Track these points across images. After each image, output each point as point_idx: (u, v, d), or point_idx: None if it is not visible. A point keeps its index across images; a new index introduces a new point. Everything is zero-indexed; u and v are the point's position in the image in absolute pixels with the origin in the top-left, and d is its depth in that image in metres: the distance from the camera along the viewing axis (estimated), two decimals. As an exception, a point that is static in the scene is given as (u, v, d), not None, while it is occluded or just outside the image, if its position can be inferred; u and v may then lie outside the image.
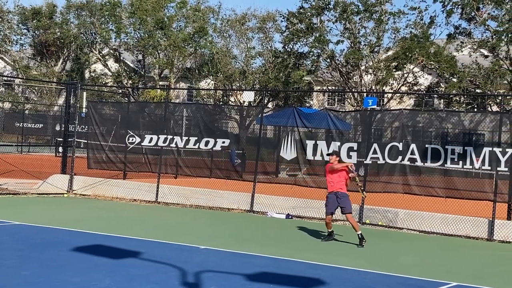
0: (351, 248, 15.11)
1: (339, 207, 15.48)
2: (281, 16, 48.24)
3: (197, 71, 54.17)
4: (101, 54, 58.51)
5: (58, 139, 38.21)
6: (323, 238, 15.75)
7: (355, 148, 19.85)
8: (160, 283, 10.39)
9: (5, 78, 64.56)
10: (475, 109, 42.08)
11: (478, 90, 42.48)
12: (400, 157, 18.96)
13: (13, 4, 70.77)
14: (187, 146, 22.49)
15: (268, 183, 21.69)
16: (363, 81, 44.97)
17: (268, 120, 28.98)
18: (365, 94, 40.36)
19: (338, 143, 19.94)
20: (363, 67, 44.75)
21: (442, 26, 74.41)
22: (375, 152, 19.32)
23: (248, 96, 42.55)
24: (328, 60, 46.02)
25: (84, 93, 36.78)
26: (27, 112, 53.83)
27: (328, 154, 16.38)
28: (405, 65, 43.58)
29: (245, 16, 52.27)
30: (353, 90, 45.33)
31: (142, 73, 57.24)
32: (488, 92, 40.69)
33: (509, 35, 40.35)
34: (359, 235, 15.13)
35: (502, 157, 17.69)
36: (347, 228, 18.37)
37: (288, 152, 21.15)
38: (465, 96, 43.20)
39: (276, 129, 32.42)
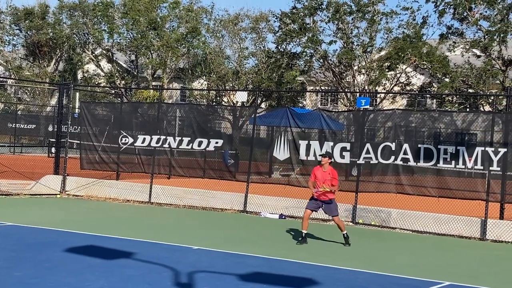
0: (344, 248, 15.13)
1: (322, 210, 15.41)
2: (274, 16, 48.27)
3: (190, 71, 54.11)
4: (93, 54, 58.39)
5: (51, 139, 38.14)
6: (298, 241, 15.25)
7: (348, 148, 19.89)
8: (153, 283, 10.39)
9: (-2, 79, 64.43)
10: (468, 109, 42.18)
11: (470, 90, 42.55)
12: (393, 157, 19.00)
13: (6, 5, 70.63)
14: (180, 147, 22.48)
15: (261, 183, 21.71)
16: (356, 81, 45.02)
17: (261, 120, 28.99)
18: (358, 94, 40.40)
19: (331, 143, 19.97)
20: (356, 67, 44.79)
21: (434, 26, 74.73)
22: (368, 152, 19.36)
23: (241, 96, 42.52)
24: (321, 60, 46.03)
25: (77, 93, 36.76)
26: (20, 113, 53.70)
27: (321, 155, 16.04)
28: (397, 65, 43.63)
29: (238, 17, 52.26)
30: (346, 90, 45.37)
31: (135, 73, 57.15)
32: (481, 92, 40.79)
33: (501, 35, 40.45)
34: (345, 234, 15.17)
35: (495, 157, 17.74)
36: (340, 228, 18.44)
37: (281, 152, 21.17)
38: (458, 96, 43.30)
39: (269, 129, 32.44)
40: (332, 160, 15.78)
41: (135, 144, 23.15)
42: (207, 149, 22.14)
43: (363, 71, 44.55)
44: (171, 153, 22.75)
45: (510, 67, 41.85)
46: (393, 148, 19.03)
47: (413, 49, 42.29)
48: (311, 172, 15.36)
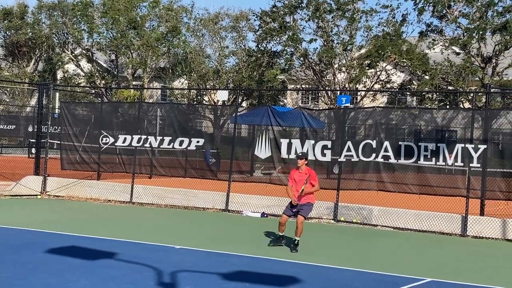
0: (328, 246, 15.17)
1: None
2: (254, 15, 48.20)
3: (170, 70, 53.96)
4: (73, 54, 58.04)
5: (31, 140, 37.90)
6: (270, 242, 14.91)
7: (329, 146, 19.94)
8: (135, 283, 10.36)
9: (-24, 80, 63.82)
10: (448, 106, 42.40)
11: (450, 87, 42.77)
12: (374, 155, 19.06)
13: (-16, 5, 70.04)
14: (161, 146, 22.43)
15: (243, 182, 21.69)
16: (336, 79, 45.10)
17: (242, 119, 28.99)
18: (338, 92, 40.49)
19: (312, 141, 20.00)
20: (336, 65, 44.85)
21: (414, 24, 74.58)
22: (349, 149, 19.41)
23: (222, 95, 42.48)
24: (302, 59, 46.05)
25: (57, 93, 36.48)
26: (-1, 114, 53.29)
27: (296, 157, 15.15)
28: (378, 63, 43.75)
29: (218, 15, 52.18)
30: (327, 88, 45.45)
31: (115, 73, 56.89)
32: (460, 89, 41.01)
33: (480, 32, 40.68)
34: (296, 241, 14.10)
35: (475, 154, 17.84)
36: (324, 226, 18.50)
37: (262, 151, 21.17)
38: (438, 93, 43.50)
39: (250, 128, 32.44)
40: (307, 161, 15.11)
41: (116, 144, 23.06)
42: (189, 148, 22.10)
43: (343, 69, 44.63)
44: (152, 153, 22.70)
45: (489, 64, 42.11)
46: (374, 146, 19.09)
47: (393, 47, 42.43)
48: (289, 177, 14.63)
